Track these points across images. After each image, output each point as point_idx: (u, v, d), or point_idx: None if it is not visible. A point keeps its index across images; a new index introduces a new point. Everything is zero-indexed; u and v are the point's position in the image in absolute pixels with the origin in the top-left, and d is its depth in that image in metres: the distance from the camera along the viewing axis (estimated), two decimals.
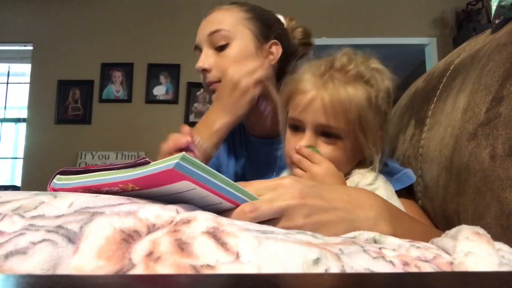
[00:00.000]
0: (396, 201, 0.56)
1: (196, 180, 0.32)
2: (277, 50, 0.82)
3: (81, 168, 0.38)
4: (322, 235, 0.34)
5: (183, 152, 0.31)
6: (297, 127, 0.61)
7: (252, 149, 0.91)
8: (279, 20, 0.87)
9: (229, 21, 0.80)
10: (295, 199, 0.39)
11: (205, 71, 0.80)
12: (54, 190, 0.38)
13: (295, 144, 0.59)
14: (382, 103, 0.59)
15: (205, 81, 0.82)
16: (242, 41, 0.79)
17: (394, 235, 0.36)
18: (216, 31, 0.79)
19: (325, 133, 0.58)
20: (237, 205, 0.37)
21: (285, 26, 0.87)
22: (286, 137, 0.64)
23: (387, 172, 0.62)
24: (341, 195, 0.43)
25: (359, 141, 0.58)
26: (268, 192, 0.40)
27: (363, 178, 0.58)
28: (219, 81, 0.79)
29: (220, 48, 0.79)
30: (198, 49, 0.83)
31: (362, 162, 0.62)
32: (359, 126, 0.57)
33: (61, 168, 0.40)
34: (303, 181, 0.43)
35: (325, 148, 0.58)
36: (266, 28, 0.82)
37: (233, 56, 0.78)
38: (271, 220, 0.38)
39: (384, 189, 0.56)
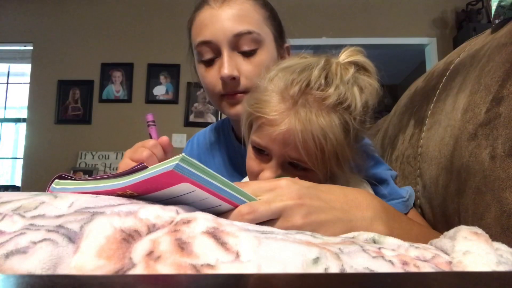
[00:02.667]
0: None
1: (195, 182, 0.32)
2: (289, 56, 0.76)
3: (78, 178, 0.38)
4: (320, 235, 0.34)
5: (182, 154, 0.31)
6: (264, 153, 0.53)
7: (234, 153, 0.85)
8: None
9: (256, 20, 0.68)
10: (293, 199, 0.39)
11: (233, 79, 0.67)
12: None
13: (259, 168, 0.53)
14: (359, 127, 0.52)
15: (226, 90, 0.69)
16: (269, 46, 0.70)
17: (391, 235, 0.36)
18: (248, 33, 0.66)
19: (294, 163, 0.51)
20: (236, 206, 0.37)
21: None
22: (248, 153, 0.56)
23: (383, 195, 0.57)
24: (338, 195, 0.43)
25: (333, 172, 0.52)
26: (266, 193, 0.40)
27: None
28: (247, 91, 0.67)
29: (246, 53, 0.68)
30: (207, 45, 0.68)
31: None
32: (336, 161, 0.51)
33: (60, 173, 0.40)
34: (300, 182, 0.43)
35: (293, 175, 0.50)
36: (280, 28, 0.74)
37: (261, 63, 0.67)
38: (269, 221, 0.38)
39: None
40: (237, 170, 0.84)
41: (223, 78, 0.67)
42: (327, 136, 0.48)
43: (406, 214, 0.59)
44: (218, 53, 0.68)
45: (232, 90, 0.68)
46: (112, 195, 0.35)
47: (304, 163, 0.50)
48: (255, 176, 0.54)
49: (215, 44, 0.67)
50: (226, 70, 0.66)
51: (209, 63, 0.70)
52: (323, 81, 0.49)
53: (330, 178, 0.54)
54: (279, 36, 0.74)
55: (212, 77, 0.70)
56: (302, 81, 0.49)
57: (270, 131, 0.49)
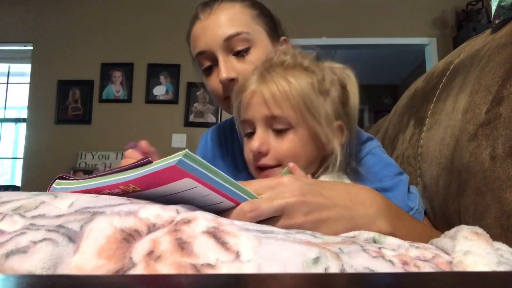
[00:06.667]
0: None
1: (197, 178, 0.32)
2: (287, 47, 0.77)
3: (79, 178, 0.38)
4: (322, 232, 0.34)
5: (186, 150, 0.31)
6: (251, 133, 0.58)
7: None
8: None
9: (243, 21, 0.71)
10: (295, 196, 0.39)
11: (232, 81, 0.69)
12: None
13: (250, 147, 0.56)
14: (331, 88, 0.57)
15: (228, 92, 0.70)
16: (262, 42, 0.72)
17: (394, 233, 0.36)
18: (236, 34, 0.69)
19: (275, 127, 0.56)
20: (238, 204, 0.37)
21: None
22: (244, 145, 0.61)
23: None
24: (341, 192, 0.43)
25: (313, 128, 0.55)
26: (268, 190, 0.40)
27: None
28: None
29: (239, 53, 0.70)
30: (204, 55, 0.72)
31: (327, 160, 0.58)
32: (306, 110, 0.54)
33: (61, 173, 0.40)
34: (302, 179, 0.43)
35: (278, 141, 0.55)
36: (274, 23, 0.77)
37: (257, 61, 0.69)
38: (271, 219, 0.38)
39: None
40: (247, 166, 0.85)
41: (222, 81, 0.70)
42: (290, 85, 0.54)
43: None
44: (215, 60, 0.72)
45: (232, 91, 0.71)
46: (115, 189, 0.35)
47: (279, 118, 0.55)
48: (253, 164, 0.58)
49: (210, 52, 0.71)
50: (224, 74, 0.69)
51: (209, 71, 0.74)
52: (282, 56, 0.59)
53: (317, 140, 0.56)
54: (273, 31, 0.76)
55: (213, 83, 0.73)
56: (267, 61, 0.60)
57: (244, 99, 0.58)
